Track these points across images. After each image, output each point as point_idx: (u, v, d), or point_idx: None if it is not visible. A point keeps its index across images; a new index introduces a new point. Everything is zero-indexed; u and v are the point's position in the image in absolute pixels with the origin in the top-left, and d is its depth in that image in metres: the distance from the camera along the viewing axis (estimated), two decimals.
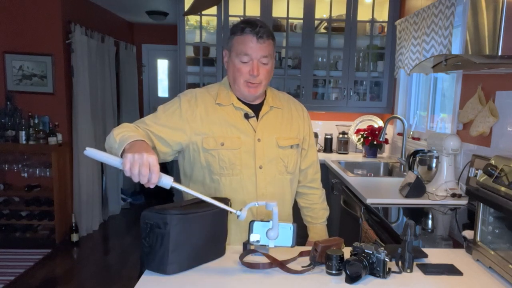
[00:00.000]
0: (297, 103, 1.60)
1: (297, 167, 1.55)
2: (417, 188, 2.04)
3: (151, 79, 6.12)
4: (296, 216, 1.62)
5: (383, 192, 2.25)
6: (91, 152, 1.05)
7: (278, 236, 1.16)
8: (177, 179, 1.46)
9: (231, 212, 1.12)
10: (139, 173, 1.04)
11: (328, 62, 3.65)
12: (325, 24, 3.65)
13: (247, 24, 1.36)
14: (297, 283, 1.11)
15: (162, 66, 6.17)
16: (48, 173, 3.81)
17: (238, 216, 1.11)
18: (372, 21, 3.58)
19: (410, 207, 2.01)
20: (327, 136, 3.76)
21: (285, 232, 1.19)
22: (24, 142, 3.71)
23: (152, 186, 1.06)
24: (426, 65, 2.07)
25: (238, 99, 1.45)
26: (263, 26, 1.37)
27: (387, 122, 2.99)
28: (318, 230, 1.67)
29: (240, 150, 1.40)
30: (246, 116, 1.43)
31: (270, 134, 1.45)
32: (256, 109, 1.46)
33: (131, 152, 1.07)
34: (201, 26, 3.60)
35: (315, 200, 1.67)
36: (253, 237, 1.20)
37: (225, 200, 1.31)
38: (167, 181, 1.07)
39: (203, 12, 3.54)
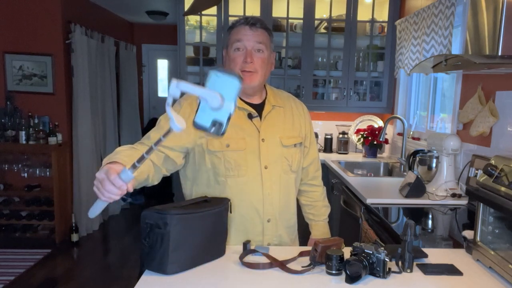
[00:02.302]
0: (297, 101, 1.60)
1: (300, 165, 1.55)
2: (417, 188, 2.04)
3: (151, 79, 6.12)
4: (297, 215, 1.62)
5: (383, 192, 2.25)
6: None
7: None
8: (177, 183, 1.45)
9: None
10: (100, 192, 0.98)
11: (328, 62, 3.65)
12: (325, 24, 3.65)
13: (241, 18, 1.42)
14: (297, 283, 1.11)
15: (162, 66, 6.17)
16: (48, 173, 3.81)
17: None
18: (372, 21, 3.58)
19: (410, 207, 2.01)
20: (327, 136, 3.76)
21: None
22: (24, 142, 3.70)
23: (117, 197, 0.98)
24: (426, 65, 2.07)
25: (240, 99, 1.45)
26: (257, 18, 1.42)
27: (387, 122, 2.99)
28: (320, 227, 1.67)
29: (246, 151, 1.40)
30: (250, 116, 1.43)
31: (274, 134, 1.45)
32: (258, 108, 1.46)
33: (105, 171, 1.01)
34: (201, 26, 3.60)
35: (316, 197, 1.68)
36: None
37: (225, 200, 1.31)
38: (125, 175, 0.96)
39: (203, 12, 3.54)
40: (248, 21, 1.39)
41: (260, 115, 1.45)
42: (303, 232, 1.69)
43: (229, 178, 1.40)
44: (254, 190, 1.41)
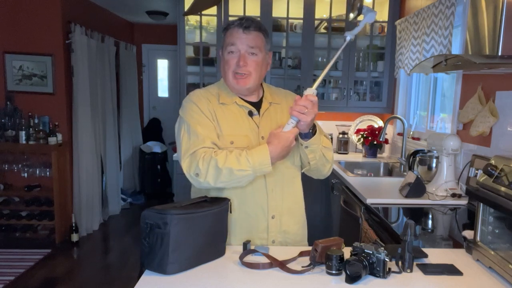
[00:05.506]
0: (293, 95, 1.58)
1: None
2: (417, 188, 2.04)
3: (151, 79, 6.12)
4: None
5: (383, 192, 2.25)
6: None
7: None
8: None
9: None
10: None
11: (328, 62, 3.64)
12: (325, 24, 3.65)
13: (236, 20, 1.42)
14: (297, 283, 1.11)
15: (162, 66, 6.17)
16: (48, 173, 3.81)
17: None
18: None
19: (410, 207, 2.01)
20: None
21: None
22: (24, 142, 3.71)
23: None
24: (426, 65, 2.06)
25: (239, 97, 1.46)
26: (251, 20, 1.40)
27: (387, 122, 2.99)
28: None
29: (248, 149, 1.40)
30: (250, 114, 1.44)
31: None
32: (256, 106, 1.47)
33: (278, 147, 1.30)
34: (201, 26, 3.60)
35: None
36: None
37: (225, 200, 1.31)
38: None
39: (203, 12, 3.54)
40: (242, 24, 1.38)
41: (258, 112, 1.46)
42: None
43: None
44: (258, 187, 1.42)
